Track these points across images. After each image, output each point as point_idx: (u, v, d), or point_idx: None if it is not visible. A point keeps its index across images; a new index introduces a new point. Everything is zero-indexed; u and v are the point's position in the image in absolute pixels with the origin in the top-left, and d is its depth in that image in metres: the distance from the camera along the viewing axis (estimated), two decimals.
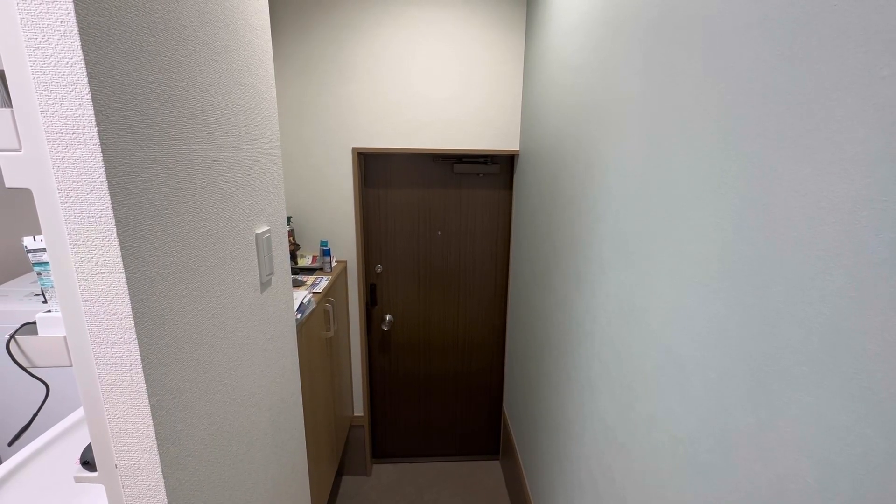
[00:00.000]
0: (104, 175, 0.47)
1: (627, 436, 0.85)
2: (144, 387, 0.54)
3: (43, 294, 0.70)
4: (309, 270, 1.92)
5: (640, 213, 0.80)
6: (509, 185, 2.17)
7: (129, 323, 0.52)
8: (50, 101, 0.45)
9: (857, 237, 0.39)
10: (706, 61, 0.61)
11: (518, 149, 1.99)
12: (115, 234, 0.49)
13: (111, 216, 0.48)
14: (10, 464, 0.85)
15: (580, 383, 1.12)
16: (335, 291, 1.87)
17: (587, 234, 1.08)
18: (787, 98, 0.47)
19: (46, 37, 0.44)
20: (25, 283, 1.45)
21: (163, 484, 0.58)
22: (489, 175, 2.16)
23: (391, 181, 2.18)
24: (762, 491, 0.51)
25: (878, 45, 0.37)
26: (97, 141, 0.46)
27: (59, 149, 0.46)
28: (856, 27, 0.39)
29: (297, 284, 1.70)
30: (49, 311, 0.59)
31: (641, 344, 0.80)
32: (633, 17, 0.84)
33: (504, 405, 2.32)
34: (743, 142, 0.53)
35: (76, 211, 0.48)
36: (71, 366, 0.55)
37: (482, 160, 2.12)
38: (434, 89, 1.91)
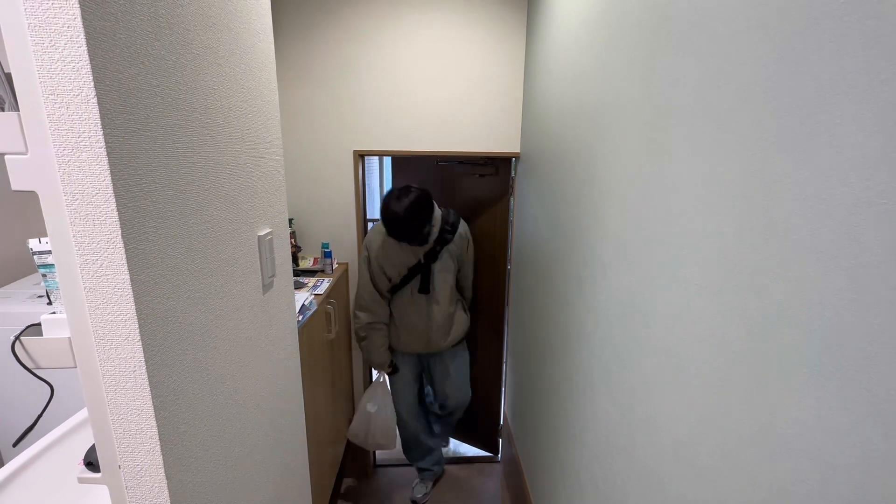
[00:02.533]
0: (109, 178, 0.48)
1: (628, 438, 0.85)
2: (148, 388, 0.55)
3: (48, 296, 0.70)
4: (310, 272, 1.93)
5: (640, 215, 0.81)
6: (510, 187, 2.18)
7: (134, 325, 0.52)
8: (56, 105, 0.46)
9: (856, 239, 0.39)
10: (706, 65, 0.61)
11: (518, 151, 1.99)
12: (120, 237, 0.49)
13: (116, 218, 0.49)
14: (14, 464, 0.86)
15: (581, 385, 1.12)
16: (336, 293, 1.88)
17: (587, 236, 1.08)
18: (786, 101, 0.47)
19: (53, 41, 0.44)
20: (29, 285, 1.45)
21: (166, 485, 0.59)
22: (490, 177, 2.17)
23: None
24: (763, 492, 0.51)
25: (876, 49, 0.37)
26: (103, 144, 0.47)
27: (65, 152, 0.47)
28: (854, 31, 0.39)
29: (298, 286, 1.70)
30: (54, 312, 0.59)
31: (642, 346, 0.80)
32: (632, 20, 0.84)
33: (504, 407, 2.32)
34: (742, 145, 0.54)
35: (81, 213, 0.49)
36: (75, 367, 0.55)
37: (483, 162, 2.13)
38: (435, 91, 1.91)
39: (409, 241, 1.73)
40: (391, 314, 1.92)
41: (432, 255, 1.84)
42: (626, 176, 0.87)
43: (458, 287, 2.01)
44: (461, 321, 2.00)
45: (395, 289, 1.87)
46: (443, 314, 1.91)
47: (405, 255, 1.82)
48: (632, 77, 0.85)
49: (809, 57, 0.44)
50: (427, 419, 2.18)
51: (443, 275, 1.87)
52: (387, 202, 1.68)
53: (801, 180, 0.45)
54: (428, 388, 2.24)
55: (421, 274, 1.84)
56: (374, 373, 2.03)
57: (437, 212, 1.82)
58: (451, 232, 1.85)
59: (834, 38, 0.41)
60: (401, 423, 2.06)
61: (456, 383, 2.06)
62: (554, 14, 1.44)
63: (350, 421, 2.00)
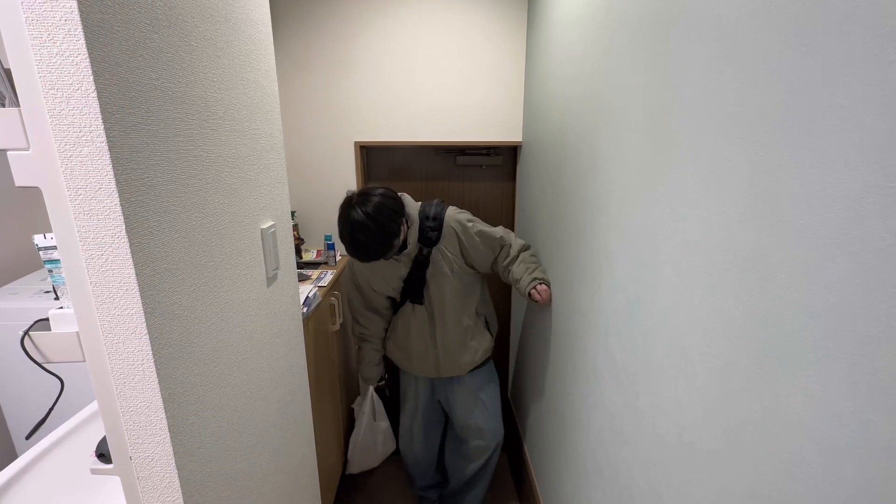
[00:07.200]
0: (112, 172, 0.48)
1: (632, 425, 0.86)
2: (156, 380, 0.55)
3: (54, 291, 0.71)
4: (314, 265, 1.93)
5: (643, 203, 0.80)
6: (513, 176, 2.17)
7: (140, 318, 0.53)
8: (56, 100, 0.46)
9: (862, 224, 0.39)
10: (709, 49, 0.60)
11: (521, 140, 1.98)
12: (124, 231, 0.50)
13: (120, 213, 0.49)
14: (28, 456, 0.87)
15: (586, 374, 1.13)
16: (340, 285, 1.88)
17: (591, 225, 1.08)
18: (792, 85, 0.46)
19: (51, 35, 0.44)
20: (35, 281, 1.46)
21: (176, 475, 0.60)
22: (492, 167, 2.15)
23: (394, 174, 2.18)
24: (767, 476, 0.51)
25: (884, 30, 0.37)
26: (104, 139, 0.47)
27: (67, 147, 0.47)
28: (862, 12, 0.39)
29: (302, 279, 1.71)
30: (61, 307, 0.60)
31: (646, 334, 0.80)
32: (634, 5, 0.83)
33: (509, 395, 2.34)
34: (747, 130, 0.53)
35: (85, 208, 0.49)
36: (84, 361, 0.56)
37: (485, 152, 2.11)
38: (436, 81, 1.90)
39: (379, 258, 1.41)
40: (397, 331, 1.64)
41: (422, 262, 1.48)
42: (629, 164, 0.86)
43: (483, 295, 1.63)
44: (478, 340, 1.60)
45: (398, 304, 1.61)
46: (449, 331, 1.55)
47: (392, 267, 1.51)
48: (635, 63, 0.83)
49: (816, 39, 0.43)
50: (439, 457, 1.91)
51: (440, 282, 1.49)
52: (341, 214, 1.37)
53: (806, 165, 0.45)
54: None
55: (414, 285, 1.52)
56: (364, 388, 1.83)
57: (413, 210, 1.46)
58: (436, 229, 1.46)
59: (840, 20, 0.41)
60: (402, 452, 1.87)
61: (477, 416, 1.66)
62: (555, 1, 1.42)
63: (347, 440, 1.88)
